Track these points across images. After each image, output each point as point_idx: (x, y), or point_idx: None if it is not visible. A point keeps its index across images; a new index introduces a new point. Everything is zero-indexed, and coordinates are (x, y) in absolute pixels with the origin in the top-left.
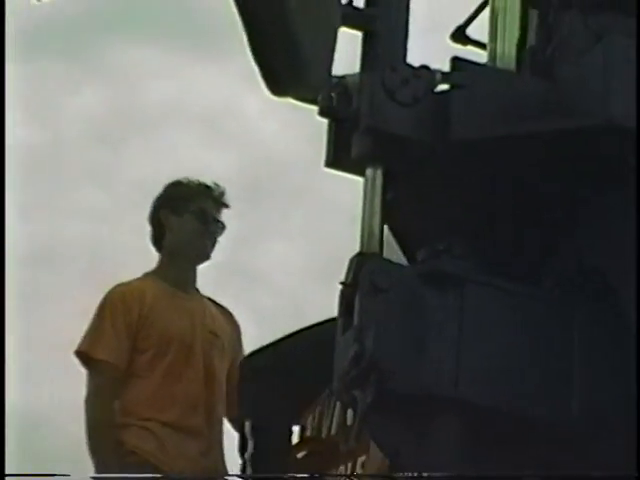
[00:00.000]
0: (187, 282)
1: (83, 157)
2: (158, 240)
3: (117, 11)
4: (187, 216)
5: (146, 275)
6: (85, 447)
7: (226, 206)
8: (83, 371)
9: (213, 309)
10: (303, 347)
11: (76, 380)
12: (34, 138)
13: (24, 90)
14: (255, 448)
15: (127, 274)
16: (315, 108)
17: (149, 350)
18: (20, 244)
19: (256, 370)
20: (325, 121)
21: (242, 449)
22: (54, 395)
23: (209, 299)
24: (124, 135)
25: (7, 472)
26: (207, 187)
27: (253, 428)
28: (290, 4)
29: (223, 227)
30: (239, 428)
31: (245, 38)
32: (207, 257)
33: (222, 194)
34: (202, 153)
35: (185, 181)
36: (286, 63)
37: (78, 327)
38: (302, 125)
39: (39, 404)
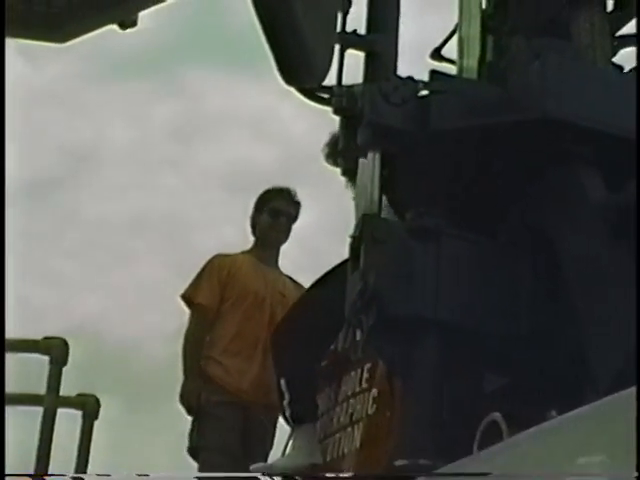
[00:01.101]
0: (269, 259)
1: (163, 150)
2: (253, 231)
3: (187, 41)
4: (265, 214)
5: (242, 252)
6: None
7: (297, 203)
8: (163, 309)
9: (287, 281)
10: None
11: (161, 313)
12: (129, 136)
13: (122, 101)
14: (290, 397)
15: (197, 239)
16: (330, 109)
17: (231, 299)
18: (118, 216)
19: (285, 329)
20: (337, 118)
21: (281, 399)
22: (145, 325)
23: (288, 276)
24: (193, 134)
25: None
26: (281, 190)
27: (287, 382)
28: (297, 14)
29: (295, 218)
30: (276, 381)
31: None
32: (282, 242)
33: (292, 194)
34: (250, 147)
35: (269, 188)
36: (295, 58)
37: (162, 277)
38: (323, 124)
39: (135, 331)
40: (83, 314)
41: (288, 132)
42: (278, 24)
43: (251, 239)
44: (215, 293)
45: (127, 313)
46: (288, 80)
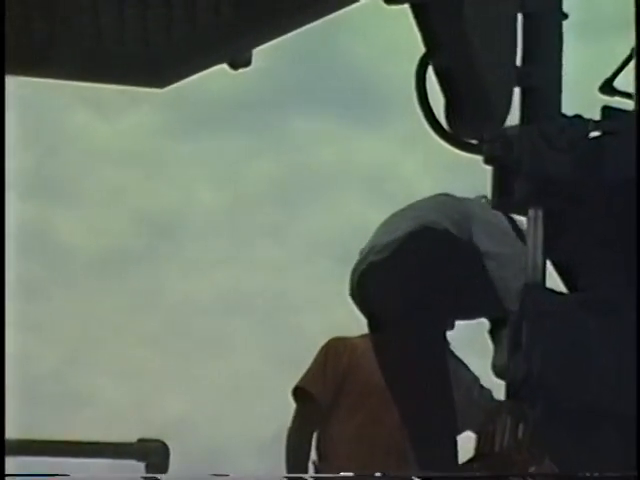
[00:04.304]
0: None
1: (262, 216)
2: None
3: (292, 88)
4: None
5: (362, 335)
6: None
7: None
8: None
9: None
10: None
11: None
12: (220, 199)
13: (213, 157)
14: None
15: (302, 321)
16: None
17: (352, 394)
18: (206, 296)
19: None
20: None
21: None
22: (241, 427)
23: None
24: (299, 195)
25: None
26: None
27: None
28: (476, 51)
29: None
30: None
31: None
32: None
33: None
34: (365, 211)
35: None
36: (473, 104)
37: (261, 369)
38: (453, 181)
39: (228, 436)
40: (168, 413)
41: (410, 191)
42: (455, 65)
43: None
44: (329, 384)
45: (219, 413)
46: (461, 131)
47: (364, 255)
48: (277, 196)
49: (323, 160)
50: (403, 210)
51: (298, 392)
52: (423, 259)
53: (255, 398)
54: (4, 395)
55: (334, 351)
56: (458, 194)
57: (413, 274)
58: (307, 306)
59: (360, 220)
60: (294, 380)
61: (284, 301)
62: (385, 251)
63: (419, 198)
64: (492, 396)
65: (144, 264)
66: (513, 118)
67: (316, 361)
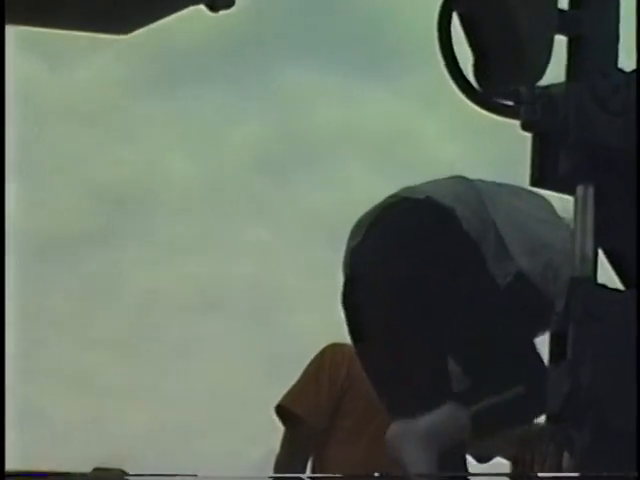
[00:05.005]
0: None
1: (246, 188)
2: None
3: (284, 33)
4: None
5: None
6: None
7: None
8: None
9: None
10: None
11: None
12: (195, 169)
13: (186, 117)
14: None
15: (295, 319)
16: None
17: (354, 414)
18: (178, 287)
19: None
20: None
21: None
22: (220, 450)
23: None
24: (290, 164)
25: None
26: None
27: None
28: None
29: None
30: None
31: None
32: None
33: None
34: (375, 181)
35: None
36: (504, 53)
37: (244, 377)
38: (482, 150)
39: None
40: (130, 434)
41: (430, 162)
42: (485, 8)
43: None
44: (323, 403)
45: (194, 432)
46: (492, 89)
47: (348, 242)
48: (265, 166)
49: (322, 122)
50: None
51: (285, 413)
52: (400, 232)
53: (237, 414)
54: (4, 396)
55: (330, 362)
56: (487, 169)
57: (395, 253)
58: (301, 301)
59: (367, 196)
60: (284, 391)
61: (273, 294)
62: (359, 233)
63: (440, 168)
64: None
65: (102, 248)
66: (558, 74)
67: (308, 374)
